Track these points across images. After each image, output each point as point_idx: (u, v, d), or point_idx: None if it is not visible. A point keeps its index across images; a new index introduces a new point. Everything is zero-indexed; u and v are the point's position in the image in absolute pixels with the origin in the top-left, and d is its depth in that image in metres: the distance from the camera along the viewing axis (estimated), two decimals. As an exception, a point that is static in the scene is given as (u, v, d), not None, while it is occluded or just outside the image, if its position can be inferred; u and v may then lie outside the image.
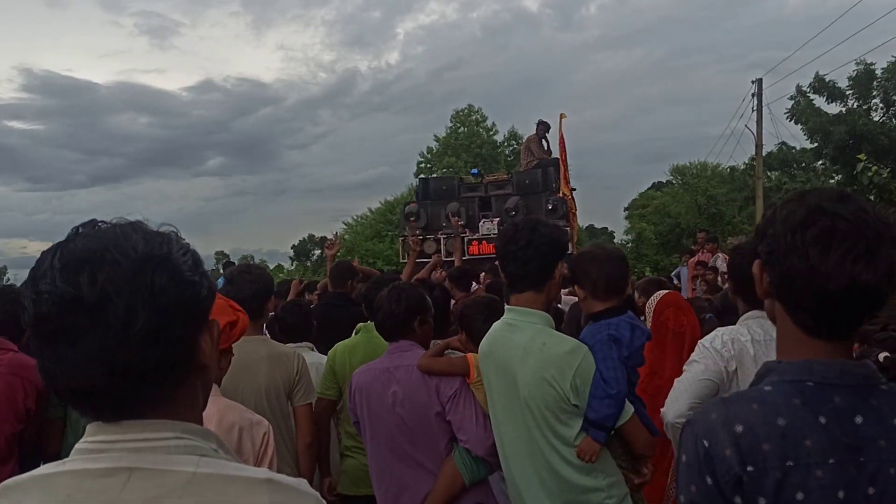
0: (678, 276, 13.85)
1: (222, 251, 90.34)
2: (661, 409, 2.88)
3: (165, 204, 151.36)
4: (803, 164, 29.23)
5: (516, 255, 2.74)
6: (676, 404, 2.82)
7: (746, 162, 31.43)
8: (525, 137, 14.94)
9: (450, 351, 3.31)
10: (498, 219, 12.66)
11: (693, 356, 2.93)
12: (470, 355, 3.18)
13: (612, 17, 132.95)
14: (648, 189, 61.10)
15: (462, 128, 48.96)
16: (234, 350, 2.66)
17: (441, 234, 12.73)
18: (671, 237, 42.90)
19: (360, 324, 4.08)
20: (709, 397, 2.78)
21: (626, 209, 62.39)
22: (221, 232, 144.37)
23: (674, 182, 49.32)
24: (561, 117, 13.43)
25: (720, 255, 11.97)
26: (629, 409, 2.66)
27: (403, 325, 3.33)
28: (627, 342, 2.68)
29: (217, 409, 2.40)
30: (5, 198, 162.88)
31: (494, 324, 2.90)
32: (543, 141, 14.59)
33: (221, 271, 14.53)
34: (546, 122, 14.48)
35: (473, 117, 49.64)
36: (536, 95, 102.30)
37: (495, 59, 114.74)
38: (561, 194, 12.85)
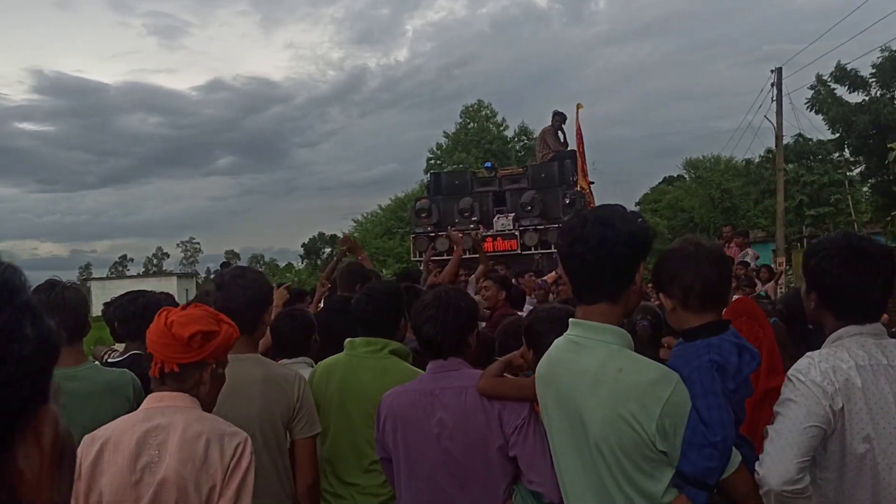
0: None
1: (232, 250, 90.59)
2: (758, 470, 2.23)
3: (175, 203, 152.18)
4: (820, 156, 28.71)
5: (585, 259, 2.15)
6: (781, 465, 2.16)
7: (762, 155, 30.87)
8: (540, 129, 14.40)
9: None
10: (513, 214, 12.18)
11: (786, 394, 2.28)
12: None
13: (622, 11, 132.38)
14: (660, 183, 60.59)
15: (472, 123, 48.62)
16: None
17: (454, 230, 12.22)
18: (685, 232, 42.33)
19: (348, 339, 3.47)
20: (816, 450, 2.17)
21: (637, 204, 61.81)
22: (231, 231, 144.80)
23: (686, 176, 48.82)
24: (578, 108, 12.97)
25: (749, 250, 11.41)
26: (736, 457, 2.07)
27: (460, 339, 2.78)
28: (734, 370, 2.10)
29: (185, 418, 2.28)
30: (16, 199, 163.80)
31: (556, 341, 2.31)
32: (559, 133, 14.10)
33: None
34: (562, 113, 13.97)
35: (483, 113, 49.33)
36: (546, 90, 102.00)
37: (504, 55, 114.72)
38: (578, 188, 12.38)
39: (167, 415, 2.29)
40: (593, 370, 2.10)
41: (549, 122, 14.20)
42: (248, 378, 2.99)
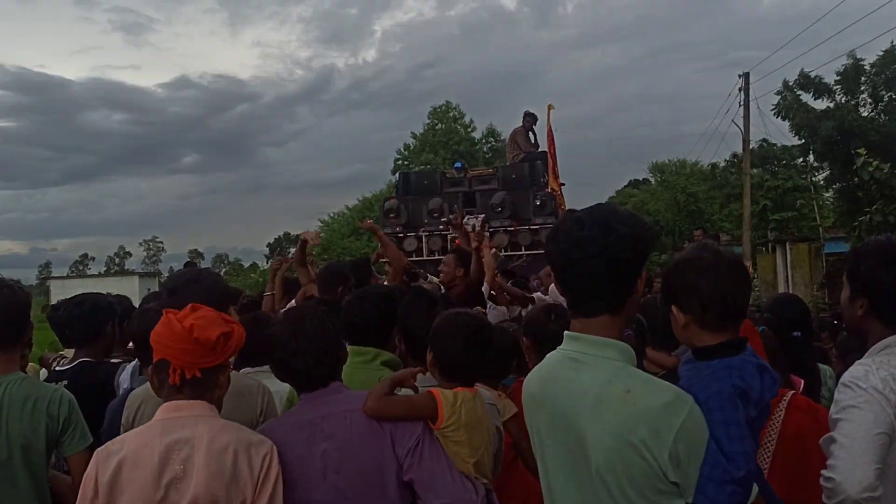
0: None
1: (196, 249, 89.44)
2: (832, 476, 2.04)
3: (139, 202, 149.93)
4: (784, 161, 29.10)
5: (583, 267, 1.92)
6: (860, 471, 1.99)
7: (727, 159, 31.16)
8: (509, 131, 14.28)
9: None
10: (483, 215, 12.03)
11: (848, 400, 2.11)
12: (437, 390, 2.49)
13: (590, 15, 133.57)
14: (626, 187, 60.97)
15: (440, 124, 48.66)
16: None
17: (423, 231, 12.05)
18: (650, 235, 42.53)
19: None
20: (886, 457, 2.03)
21: (602, 207, 62.01)
22: (196, 230, 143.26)
23: (651, 180, 49.18)
24: (549, 109, 12.89)
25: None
26: (754, 488, 1.85)
27: (336, 363, 2.54)
28: (757, 395, 1.90)
29: (209, 429, 2.21)
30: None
31: (549, 356, 2.07)
32: (530, 133, 14.01)
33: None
34: (533, 114, 13.90)
35: (451, 114, 49.42)
36: (514, 92, 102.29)
37: (473, 57, 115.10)
38: (549, 189, 12.27)
39: (188, 426, 2.20)
40: (595, 390, 1.86)
41: (519, 124, 14.07)
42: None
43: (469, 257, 6.15)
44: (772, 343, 3.56)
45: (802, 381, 3.58)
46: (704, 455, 1.79)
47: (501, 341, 3.68)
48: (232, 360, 2.58)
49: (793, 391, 2.84)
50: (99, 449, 2.23)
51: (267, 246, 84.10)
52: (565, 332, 2.03)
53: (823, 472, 2.05)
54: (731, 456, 1.76)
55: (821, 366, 4.57)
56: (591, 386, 1.87)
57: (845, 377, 2.17)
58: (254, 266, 63.04)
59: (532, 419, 2.09)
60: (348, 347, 2.87)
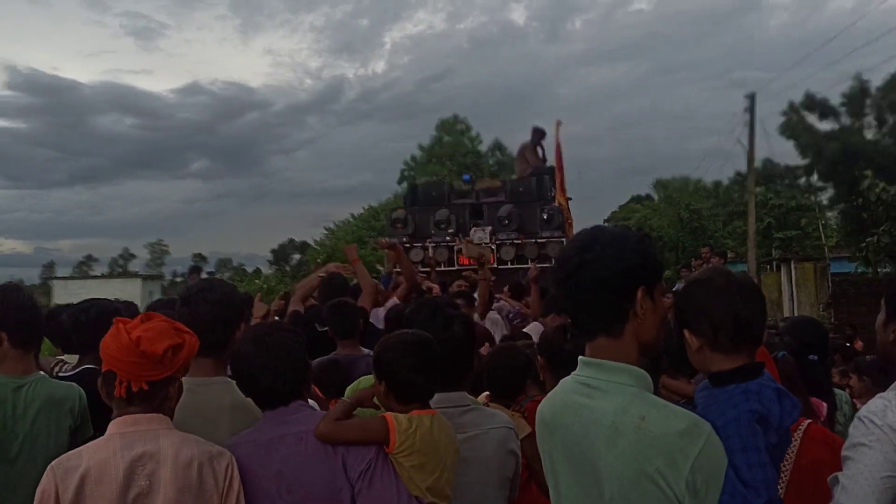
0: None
1: (200, 253, 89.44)
2: None
3: (145, 205, 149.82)
4: (787, 181, 29.10)
5: (567, 286, 1.90)
6: None
7: (731, 177, 31.22)
8: (517, 145, 14.28)
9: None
10: (490, 227, 12.01)
11: (859, 436, 2.00)
12: (390, 415, 2.46)
13: (598, 32, 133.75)
14: (629, 202, 60.99)
15: (447, 137, 48.78)
16: (188, 395, 2.39)
17: (430, 242, 11.99)
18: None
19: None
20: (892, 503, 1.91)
21: (605, 221, 62.17)
22: (200, 235, 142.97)
23: (654, 196, 49.23)
24: (557, 124, 12.84)
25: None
26: None
27: (299, 381, 2.53)
28: (777, 421, 1.82)
29: (171, 443, 2.19)
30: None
31: (562, 381, 2.01)
32: (539, 148, 13.99)
33: (188, 279, 13.56)
34: (541, 129, 13.87)
35: (458, 127, 49.57)
36: (521, 107, 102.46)
37: (481, 71, 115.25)
38: (556, 203, 12.19)
39: (149, 440, 2.17)
40: (610, 417, 1.79)
41: (527, 138, 14.08)
42: (215, 405, 2.69)
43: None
44: (791, 369, 3.48)
45: (825, 405, 3.49)
46: (723, 484, 1.72)
47: (514, 360, 3.61)
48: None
49: (809, 420, 2.76)
50: (54, 463, 2.15)
51: (271, 252, 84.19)
52: (580, 357, 1.97)
53: None
54: (751, 483, 1.70)
55: (836, 390, 4.49)
56: (604, 413, 1.81)
57: (862, 411, 2.06)
58: (257, 272, 63.06)
59: (545, 446, 2.03)
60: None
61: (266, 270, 66.92)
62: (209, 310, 2.74)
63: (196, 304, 2.75)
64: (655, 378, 3.01)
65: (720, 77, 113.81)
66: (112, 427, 2.21)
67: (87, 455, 2.14)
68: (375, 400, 2.59)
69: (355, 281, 6.25)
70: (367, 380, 3.22)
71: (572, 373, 1.98)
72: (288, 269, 59.77)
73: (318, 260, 28.35)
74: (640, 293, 1.85)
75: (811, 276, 19.17)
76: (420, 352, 2.53)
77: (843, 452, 2.01)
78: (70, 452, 2.19)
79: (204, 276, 14.90)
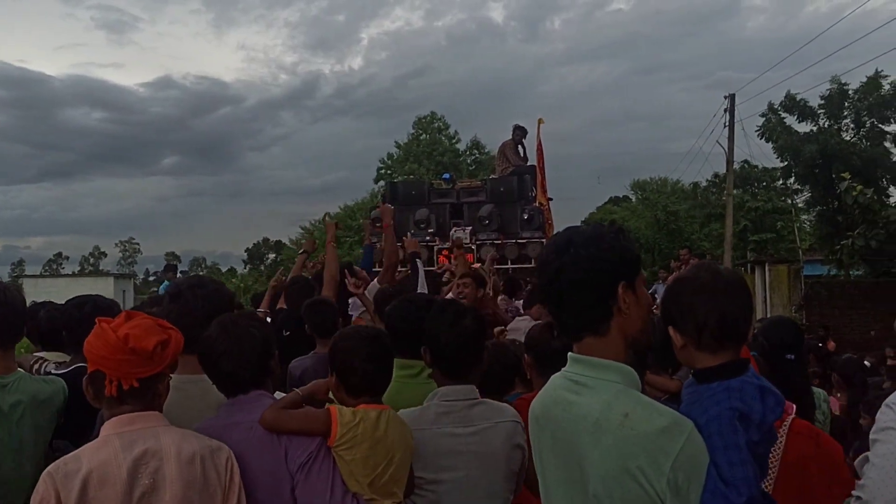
0: (654, 294, 13.23)
1: (173, 252, 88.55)
2: (859, 495, 2.04)
3: (116, 202, 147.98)
4: (764, 183, 29.45)
5: (548, 291, 1.96)
6: (887, 492, 1.99)
7: (709, 179, 31.48)
8: (497, 143, 14.30)
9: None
10: (470, 227, 12.04)
11: (887, 421, 2.10)
12: (334, 407, 2.49)
13: (578, 31, 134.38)
14: (606, 203, 61.34)
15: (424, 135, 48.75)
16: (175, 392, 2.41)
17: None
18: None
19: None
20: None
21: (583, 222, 62.27)
22: (173, 233, 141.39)
23: (632, 197, 49.52)
24: (539, 122, 12.87)
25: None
26: None
27: (261, 369, 2.54)
28: (759, 418, 1.84)
29: (173, 440, 2.20)
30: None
31: (553, 378, 2.05)
32: (519, 147, 14.00)
33: (166, 276, 13.44)
34: (523, 128, 13.89)
35: (436, 125, 49.53)
36: (500, 105, 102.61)
37: (459, 68, 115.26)
38: (537, 203, 12.26)
39: (150, 438, 2.17)
40: (595, 414, 1.83)
41: (507, 137, 14.08)
42: (202, 404, 2.70)
43: (484, 278, 6.23)
44: (761, 368, 3.55)
45: (794, 406, 3.57)
46: (705, 482, 1.75)
47: (503, 357, 3.65)
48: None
49: (793, 416, 2.82)
50: (51, 469, 2.10)
51: (245, 251, 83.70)
52: (569, 353, 2.00)
53: (853, 491, 2.05)
54: (731, 481, 1.72)
55: (814, 389, 4.58)
56: (590, 409, 1.85)
57: (890, 398, 2.15)
58: (232, 271, 62.73)
59: (536, 441, 2.08)
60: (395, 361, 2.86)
61: (241, 270, 66.49)
62: (200, 305, 2.75)
63: (186, 300, 2.77)
64: (641, 374, 3.08)
65: (700, 78, 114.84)
66: (107, 428, 2.18)
67: (87, 458, 2.11)
68: (331, 394, 2.62)
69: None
70: None
71: (562, 369, 2.01)
72: (263, 268, 59.41)
73: (296, 258, 28.31)
74: (621, 289, 1.89)
75: (785, 278, 19.37)
76: (374, 344, 2.60)
77: (872, 436, 2.10)
78: (67, 456, 2.15)
79: (179, 275, 14.82)
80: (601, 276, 1.88)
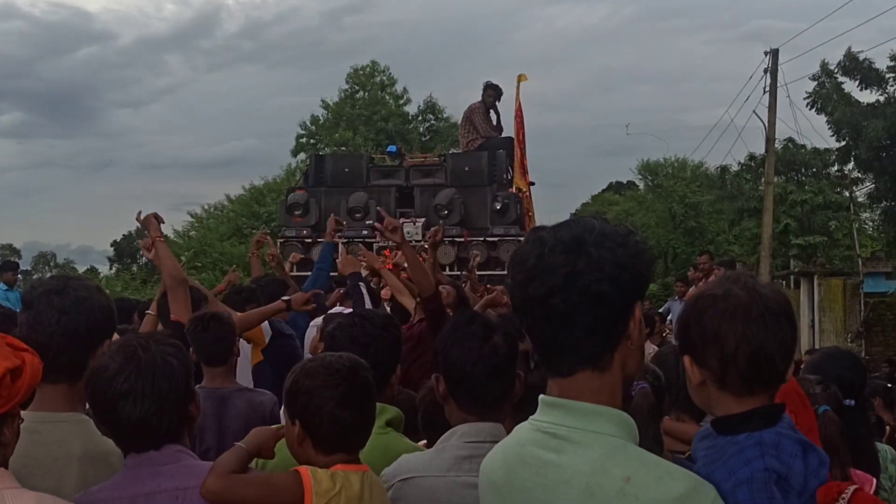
0: (668, 314, 13.42)
1: (10, 245, 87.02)
2: None
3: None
4: (814, 169, 29.87)
5: (544, 307, 1.90)
6: None
7: (742, 162, 31.80)
8: (465, 106, 14.33)
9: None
10: (423, 219, 12.04)
11: None
12: (306, 469, 2.49)
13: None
14: (605, 191, 62.03)
15: (361, 92, 48.61)
16: (25, 436, 2.34)
17: (340, 238, 11.95)
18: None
19: None
20: None
21: (573, 215, 62.96)
22: (11, 218, 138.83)
23: (639, 184, 50.06)
24: (519, 80, 13.01)
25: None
26: None
27: (180, 416, 2.54)
28: (800, 484, 1.88)
29: None
30: None
31: (517, 429, 2.06)
32: (492, 112, 14.02)
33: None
34: (496, 87, 13.91)
35: (378, 79, 49.55)
36: (465, 56, 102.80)
37: (412, 4, 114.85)
38: (514, 189, 12.33)
39: None
40: (584, 478, 1.83)
41: (477, 99, 14.11)
42: (60, 451, 2.70)
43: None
44: (836, 432, 3.60)
45: (874, 481, 3.61)
46: None
47: None
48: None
49: (855, 486, 2.88)
50: None
51: (112, 246, 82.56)
52: (541, 397, 2.00)
53: None
54: None
55: (879, 445, 4.66)
56: (577, 473, 1.84)
57: None
58: (93, 271, 61.81)
59: None
60: None
61: (105, 270, 65.58)
62: (57, 320, 2.73)
63: (40, 312, 2.75)
64: (657, 415, 3.13)
65: (731, 27, 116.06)
66: None
67: None
68: (284, 446, 2.62)
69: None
70: None
71: (530, 417, 2.01)
72: (136, 269, 58.64)
73: (182, 257, 27.96)
74: (637, 310, 1.91)
75: (839, 295, 19.67)
76: (351, 381, 2.57)
77: None
78: None
79: (19, 276, 14.51)
80: (625, 290, 1.88)
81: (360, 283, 6.69)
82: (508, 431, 3.05)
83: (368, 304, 6.37)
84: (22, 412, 2.35)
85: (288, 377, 2.68)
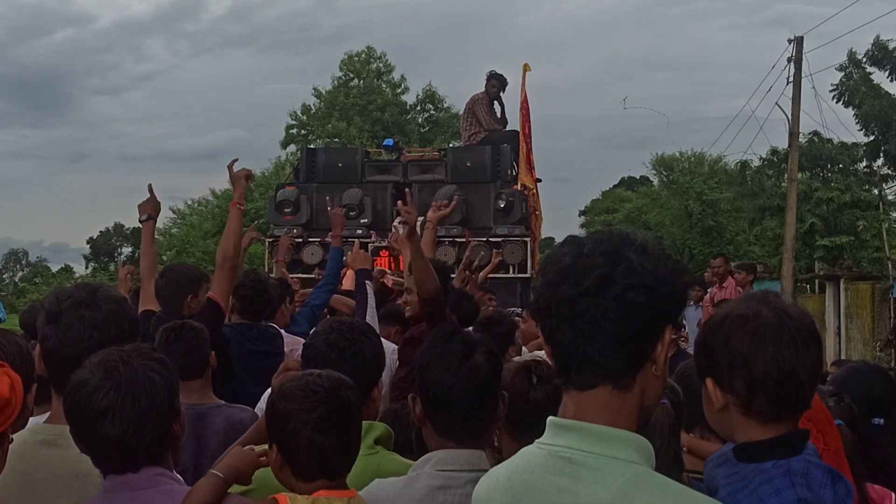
0: (682, 321, 13.39)
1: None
2: None
3: None
4: (841, 165, 29.82)
5: (573, 308, 1.89)
6: None
7: (763, 157, 31.78)
8: (469, 98, 14.31)
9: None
10: (422, 218, 11.91)
11: None
12: (284, 497, 2.50)
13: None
14: (617, 186, 62.02)
15: (356, 80, 48.58)
16: (41, 450, 2.53)
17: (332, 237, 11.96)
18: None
19: None
20: None
21: (582, 213, 63.27)
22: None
23: (653, 179, 50.04)
24: (524, 70, 12.99)
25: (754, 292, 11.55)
26: None
27: (161, 436, 2.54)
28: None
29: None
30: None
31: (523, 451, 2.03)
32: (496, 104, 14.05)
33: None
34: (501, 77, 13.94)
35: (374, 66, 49.52)
36: (467, 42, 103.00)
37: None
38: (519, 186, 12.32)
39: None
40: None
41: (480, 89, 14.11)
42: (44, 472, 2.71)
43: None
44: (848, 445, 3.62)
45: (893, 496, 3.63)
46: None
47: None
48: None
49: None
50: None
51: (88, 243, 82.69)
52: (551, 419, 1.99)
53: None
54: None
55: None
56: (596, 502, 1.83)
57: None
58: (67, 271, 61.86)
59: None
60: None
61: (81, 269, 65.73)
62: (90, 335, 2.79)
63: (67, 324, 2.80)
64: (675, 433, 3.13)
65: (753, 11, 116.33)
66: None
67: None
68: (263, 474, 2.63)
69: None
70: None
71: (536, 440, 2.00)
72: (114, 267, 58.71)
73: (164, 256, 27.95)
74: (668, 333, 1.91)
75: (868, 300, 19.61)
76: (330, 403, 2.56)
77: None
78: None
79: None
80: (659, 306, 1.88)
81: (367, 282, 6.66)
82: (497, 456, 3.09)
83: (372, 306, 6.36)
84: (40, 424, 2.46)
85: (269, 397, 2.69)
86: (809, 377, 2.03)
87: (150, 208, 6.02)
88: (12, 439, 2.27)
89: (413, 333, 5.88)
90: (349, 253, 7.81)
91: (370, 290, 6.49)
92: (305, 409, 2.53)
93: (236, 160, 5.51)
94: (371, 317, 6.21)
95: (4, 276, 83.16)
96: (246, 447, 2.77)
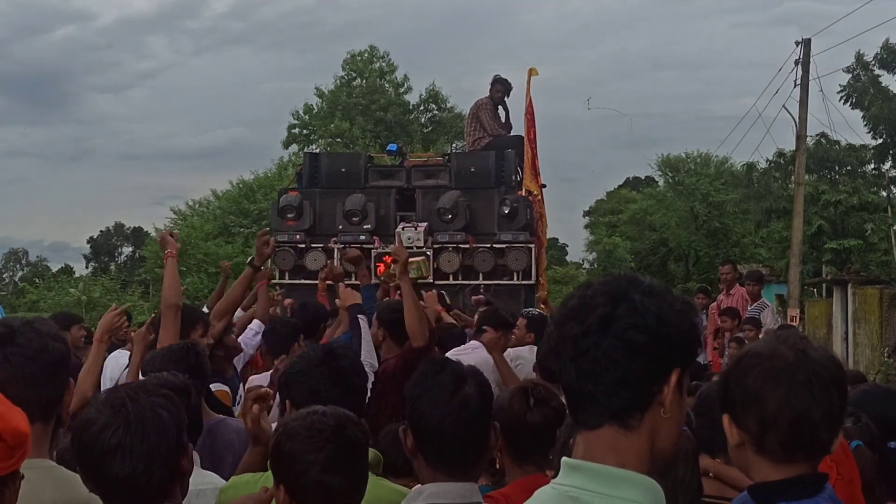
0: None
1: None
2: None
3: None
4: (849, 167, 29.80)
5: (576, 346, 1.90)
6: None
7: (770, 159, 31.74)
8: (473, 102, 14.30)
9: None
10: (425, 224, 11.98)
11: None
12: None
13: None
14: (622, 186, 61.99)
15: (359, 79, 48.57)
16: None
17: (335, 243, 11.96)
18: (654, 260, 43.27)
19: None
20: None
21: (586, 213, 63.22)
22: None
23: (658, 180, 50.00)
24: (530, 74, 12.96)
25: (766, 303, 11.52)
26: None
27: (172, 472, 2.53)
28: None
29: None
30: None
31: (539, 492, 2.02)
32: (500, 109, 14.02)
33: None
34: (506, 81, 13.94)
35: (377, 65, 49.50)
36: (471, 40, 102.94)
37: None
38: (524, 191, 12.30)
39: None
40: None
41: (485, 94, 14.10)
42: (35, 502, 2.66)
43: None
44: (868, 467, 3.61)
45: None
46: None
47: None
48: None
49: None
50: None
51: (88, 242, 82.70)
52: (564, 460, 1.99)
53: None
54: None
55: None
56: None
57: None
58: (68, 271, 61.80)
59: None
60: None
61: (81, 269, 65.69)
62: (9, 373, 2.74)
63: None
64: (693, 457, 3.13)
65: (761, 10, 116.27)
66: None
67: None
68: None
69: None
70: (246, 480, 3.33)
71: (552, 481, 2.00)
72: (114, 268, 58.83)
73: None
74: (675, 376, 1.91)
75: (875, 305, 19.51)
76: (338, 441, 2.56)
77: None
78: None
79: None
80: (662, 347, 1.88)
81: (360, 317, 6.67)
82: (500, 480, 3.08)
83: (368, 340, 6.36)
84: None
85: (273, 434, 2.68)
86: (826, 422, 2.04)
87: (171, 247, 6.07)
88: (23, 476, 2.25)
89: (385, 368, 6.06)
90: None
91: (364, 325, 6.51)
92: (312, 450, 2.53)
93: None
94: (368, 350, 6.23)
95: (4, 276, 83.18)
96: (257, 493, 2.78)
